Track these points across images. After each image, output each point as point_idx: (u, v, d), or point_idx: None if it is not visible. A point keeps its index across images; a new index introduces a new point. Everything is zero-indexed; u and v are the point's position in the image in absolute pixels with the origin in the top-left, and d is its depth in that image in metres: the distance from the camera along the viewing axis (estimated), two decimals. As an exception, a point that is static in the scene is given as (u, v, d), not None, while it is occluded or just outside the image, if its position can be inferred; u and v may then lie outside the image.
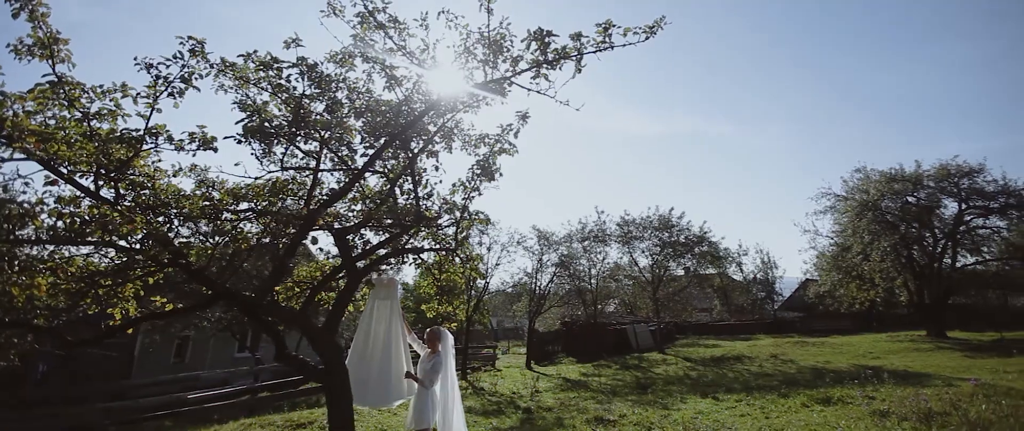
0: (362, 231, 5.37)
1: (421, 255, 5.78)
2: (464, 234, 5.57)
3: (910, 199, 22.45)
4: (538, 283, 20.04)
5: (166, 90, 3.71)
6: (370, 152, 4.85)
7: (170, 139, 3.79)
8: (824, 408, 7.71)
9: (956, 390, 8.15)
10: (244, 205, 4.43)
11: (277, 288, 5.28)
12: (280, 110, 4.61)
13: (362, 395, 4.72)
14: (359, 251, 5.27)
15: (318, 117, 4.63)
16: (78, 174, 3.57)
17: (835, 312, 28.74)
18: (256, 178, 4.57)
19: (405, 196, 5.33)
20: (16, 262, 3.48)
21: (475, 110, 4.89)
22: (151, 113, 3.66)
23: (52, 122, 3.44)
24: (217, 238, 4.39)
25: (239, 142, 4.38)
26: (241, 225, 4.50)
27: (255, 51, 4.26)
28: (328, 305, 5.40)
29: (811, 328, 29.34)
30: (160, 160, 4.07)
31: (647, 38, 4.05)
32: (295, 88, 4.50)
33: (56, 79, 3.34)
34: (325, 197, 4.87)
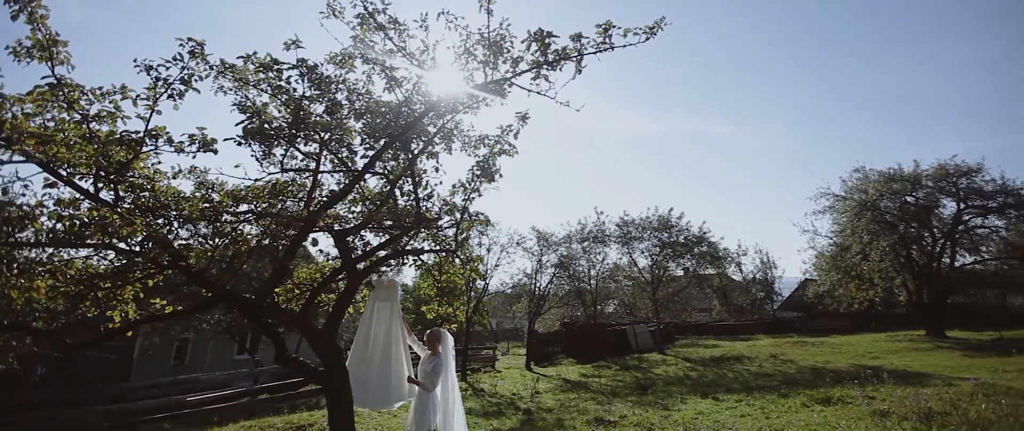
0: (362, 233, 5.37)
1: (421, 256, 5.77)
2: (464, 235, 5.56)
3: (909, 199, 22.50)
4: (537, 284, 20.03)
5: (166, 92, 3.70)
6: (370, 153, 4.84)
7: (170, 141, 3.79)
8: (824, 408, 7.71)
9: (956, 390, 8.16)
10: (244, 207, 4.42)
11: (277, 290, 5.27)
12: (280, 112, 4.61)
13: (362, 397, 4.71)
14: (359, 253, 5.27)
15: (318, 119, 4.63)
16: (77, 176, 3.56)
17: (834, 312, 28.77)
18: (256, 180, 4.57)
19: (405, 197, 5.33)
20: (15, 265, 3.47)
21: (475, 111, 4.90)
22: (151, 115, 3.66)
23: (51, 124, 3.44)
24: (217, 240, 4.39)
25: (239, 144, 4.38)
26: (241, 227, 4.49)
27: (255, 53, 4.26)
28: (328, 307, 5.39)
29: (810, 328, 29.37)
30: (160, 162, 4.07)
31: (647, 39, 4.06)
32: (295, 90, 4.50)
33: (55, 81, 3.33)
34: (325, 199, 4.87)
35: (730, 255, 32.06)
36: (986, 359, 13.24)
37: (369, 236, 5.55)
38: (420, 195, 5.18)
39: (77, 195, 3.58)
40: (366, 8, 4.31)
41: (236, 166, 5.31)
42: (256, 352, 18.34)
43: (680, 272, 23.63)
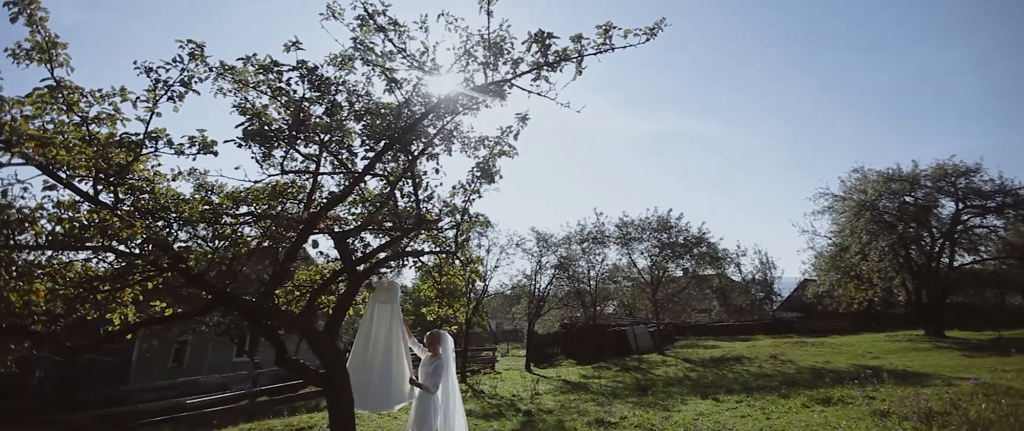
0: (362, 234, 5.36)
1: (421, 258, 5.76)
2: (464, 237, 5.56)
3: (908, 199, 22.55)
4: (537, 285, 20.04)
5: (165, 94, 3.69)
6: (370, 155, 4.83)
7: (170, 143, 3.77)
8: (824, 408, 7.71)
9: (956, 389, 8.17)
10: (244, 209, 4.41)
11: (277, 292, 5.26)
12: (280, 113, 4.60)
13: (363, 399, 4.69)
14: (359, 254, 5.26)
15: (318, 120, 4.62)
16: (77, 179, 3.55)
17: (834, 312, 28.81)
18: (256, 182, 4.55)
19: (405, 199, 5.32)
20: (14, 267, 3.45)
21: (475, 112, 4.89)
22: (150, 117, 3.65)
23: (51, 126, 3.42)
24: (217, 242, 4.38)
25: (239, 146, 4.37)
26: (241, 229, 4.48)
27: (255, 54, 4.25)
28: (328, 309, 5.38)
29: (810, 328, 29.40)
30: (159, 164, 4.06)
31: (648, 40, 4.06)
32: (295, 91, 4.49)
33: (54, 83, 3.32)
34: (325, 200, 4.86)
35: (729, 256, 32.05)
36: (985, 359, 13.25)
37: (369, 238, 5.54)
38: (420, 197, 5.17)
39: (77, 197, 3.57)
40: (366, 10, 4.31)
41: (236, 168, 5.31)
42: (255, 354, 18.30)
43: (679, 273, 23.67)
